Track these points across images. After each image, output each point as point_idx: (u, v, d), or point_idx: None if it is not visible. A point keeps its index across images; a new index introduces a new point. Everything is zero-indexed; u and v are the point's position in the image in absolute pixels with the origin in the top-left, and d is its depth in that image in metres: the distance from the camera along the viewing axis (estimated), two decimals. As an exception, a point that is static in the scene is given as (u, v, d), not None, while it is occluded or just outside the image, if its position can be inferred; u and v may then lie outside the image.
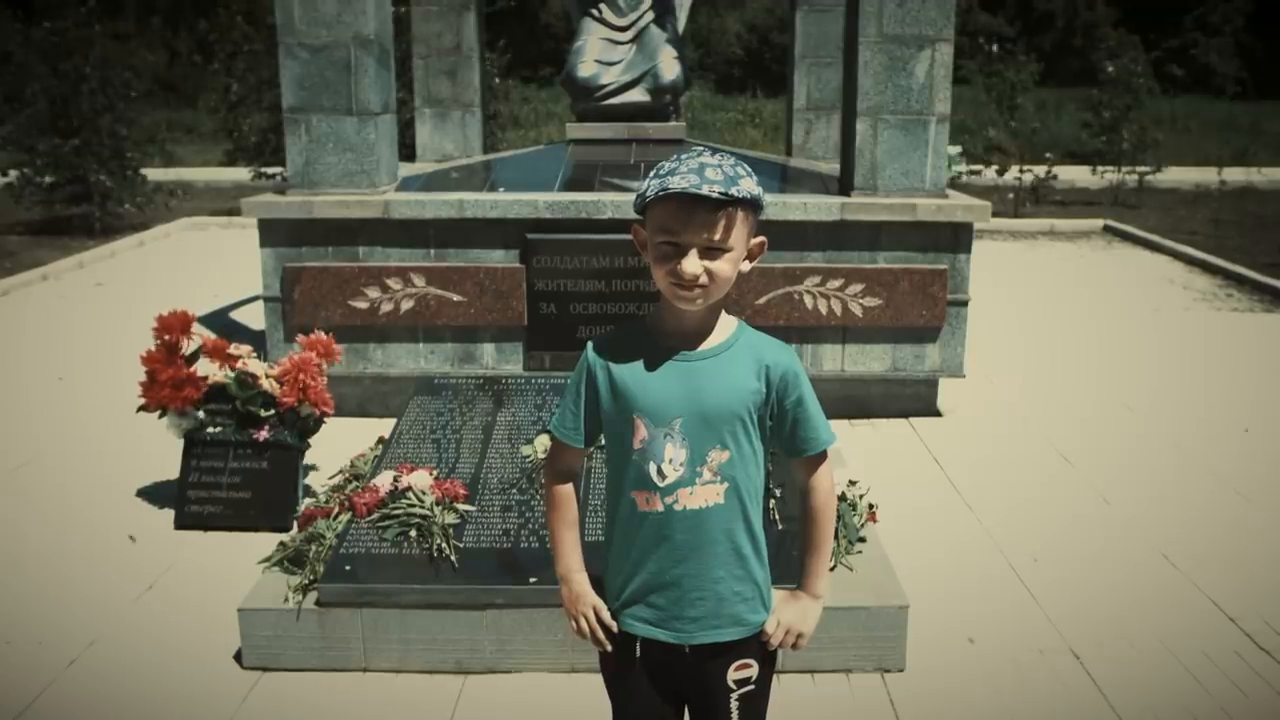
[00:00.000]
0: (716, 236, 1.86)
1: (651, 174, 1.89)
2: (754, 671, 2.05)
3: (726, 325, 2.00)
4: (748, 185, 1.85)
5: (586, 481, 3.78)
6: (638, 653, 2.03)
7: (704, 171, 1.82)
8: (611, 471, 2.04)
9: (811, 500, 2.06)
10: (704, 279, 1.87)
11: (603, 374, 1.98)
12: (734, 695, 2.04)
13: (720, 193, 1.81)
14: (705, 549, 1.96)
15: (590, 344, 2.03)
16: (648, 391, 1.93)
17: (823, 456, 2.05)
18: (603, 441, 2.07)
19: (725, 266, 1.89)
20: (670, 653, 2.01)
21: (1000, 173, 14.12)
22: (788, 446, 2.03)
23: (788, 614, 2.06)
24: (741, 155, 7.44)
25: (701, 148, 1.93)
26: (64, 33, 11.83)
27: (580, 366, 2.03)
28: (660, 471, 1.93)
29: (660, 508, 1.94)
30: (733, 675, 2.03)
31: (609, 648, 2.06)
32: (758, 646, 2.05)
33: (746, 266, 1.96)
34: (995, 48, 14.82)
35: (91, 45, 11.97)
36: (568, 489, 2.12)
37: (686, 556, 1.96)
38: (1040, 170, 14.10)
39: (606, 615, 2.05)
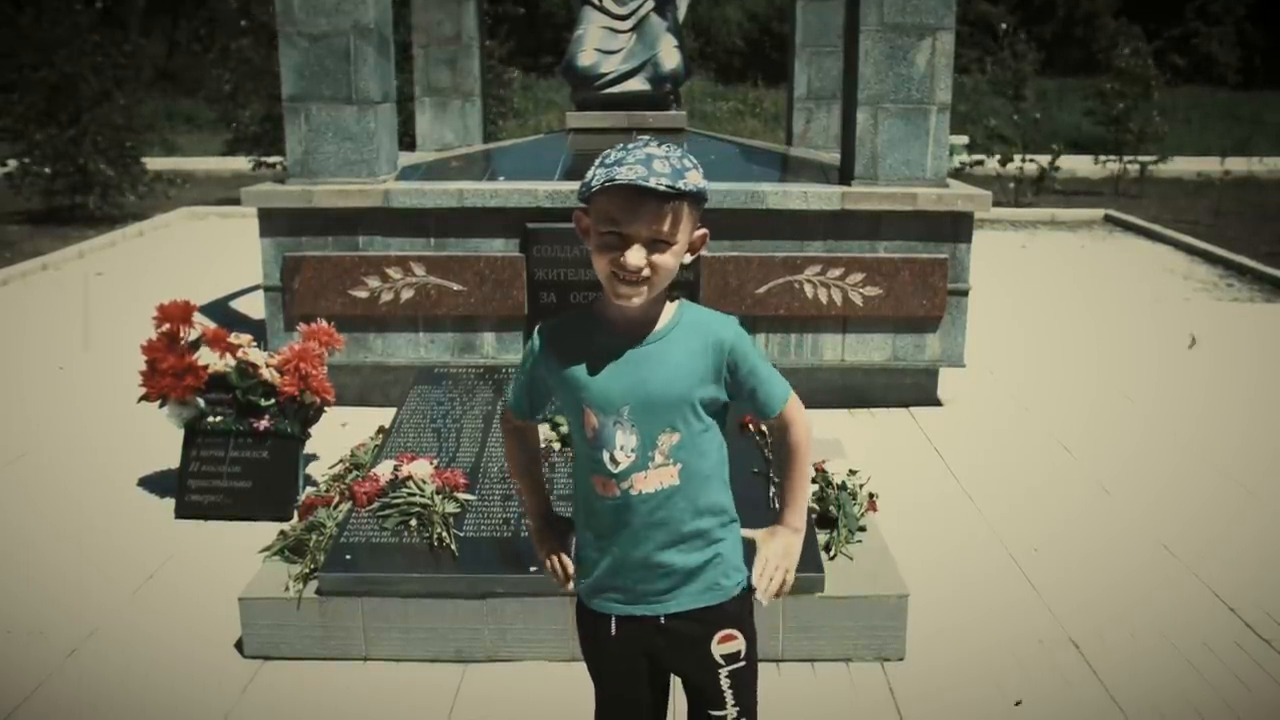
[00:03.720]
0: (663, 229, 1.84)
1: (597, 162, 1.86)
2: (741, 645, 2.05)
3: (669, 307, 1.99)
4: (694, 178, 1.83)
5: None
6: (613, 634, 2.03)
7: (651, 163, 1.80)
8: (575, 455, 2.06)
9: (790, 436, 2.07)
10: (647, 271, 1.85)
11: (549, 364, 2.00)
12: (723, 671, 2.03)
13: (667, 186, 1.79)
14: (666, 529, 1.96)
15: (537, 331, 2.03)
16: (593, 382, 1.94)
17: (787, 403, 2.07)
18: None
19: (669, 259, 1.87)
20: (647, 628, 2.01)
21: (1004, 163, 14.09)
22: (753, 410, 2.05)
23: (771, 550, 2.07)
24: (741, 145, 7.43)
25: (649, 137, 1.91)
26: (53, 23, 11.80)
27: (529, 350, 2.05)
28: (613, 458, 1.93)
29: (617, 493, 1.95)
30: (719, 650, 2.03)
31: (570, 588, 2.12)
32: (736, 615, 2.04)
33: (689, 258, 1.95)
34: (1005, 27, 14.73)
35: (83, 33, 11.94)
36: (521, 437, 2.21)
37: (648, 538, 1.96)
38: (1044, 160, 14.06)
39: (566, 560, 2.14)
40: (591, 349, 1.95)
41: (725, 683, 2.04)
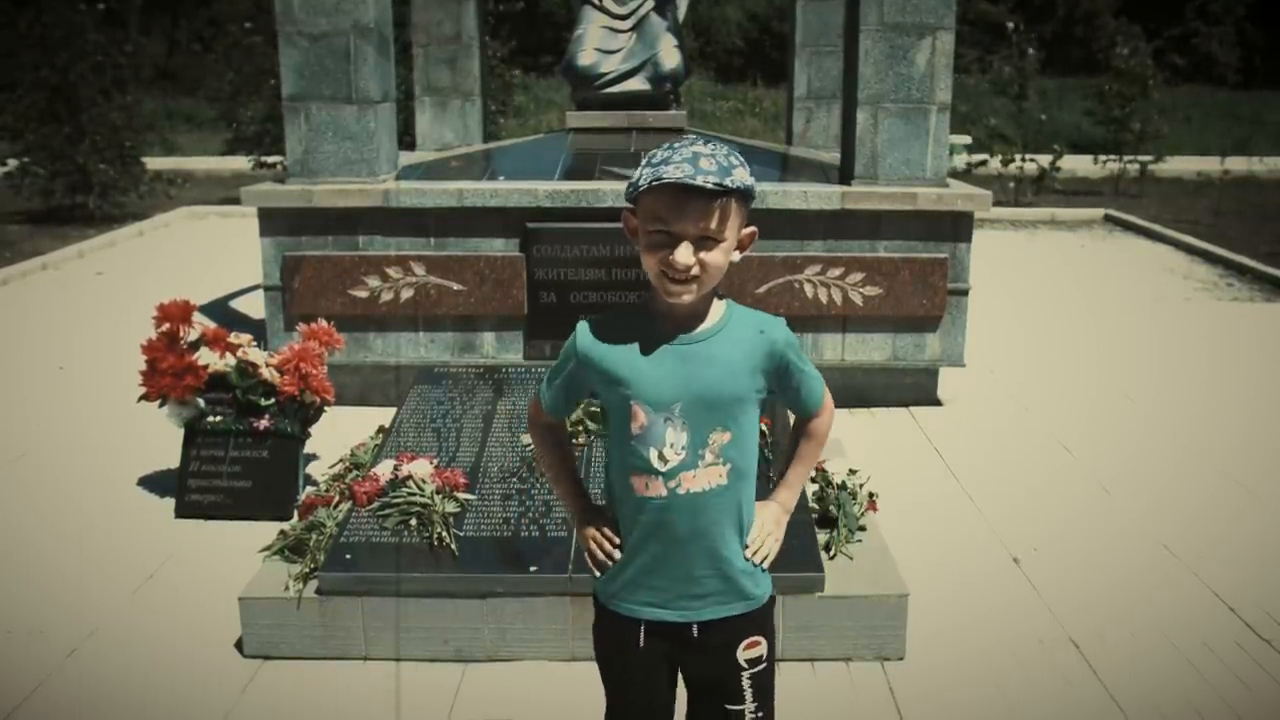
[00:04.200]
0: (711, 226, 1.84)
1: (644, 162, 1.87)
2: (764, 649, 2.05)
3: (717, 306, 1.99)
4: (741, 175, 1.84)
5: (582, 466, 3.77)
6: (641, 641, 2.02)
7: (698, 161, 1.81)
8: (610, 454, 2.03)
9: (812, 423, 2.10)
10: (696, 269, 1.85)
11: (596, 361, 1.97)
12: (745, 674, 2.04)
13: (714, 183, 1.79)
14: (709, 530, 1.95)
15: (582, 327, 2.00)
16: (645, 378, 1.92)
17: None
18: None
19: (718, 256, 1.88)
20: (677, 635, 2.01)
21: (1005, 163, 14.07)
22: (793, 408, 2.08)
23: (765, 517, 2.07)
24: (741, 144, 7.43)
25: (694, 135, 1.92)
26: (54, 23, 11.80)
27: (570, 347, 2.01)
28: (662, 456, 1.92)
29: (663, 492, 1.93)
30: (744, 655, 2.03)
31: (615, 560, 2.03)
32: (763, 622, 2.05)
33: (737, 256, 1.95)
34: (1012, 25, 14.72)
35: (84, 34, 11.94)
36: (552, 434, 2.17)
37: (691, 539, 1.95)
38: (1045, 160, 14.06)
39: (609, 533, 2.03)
40: (641, 345, 1.94)
41: (746, 683, 2.05)
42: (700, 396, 1.91)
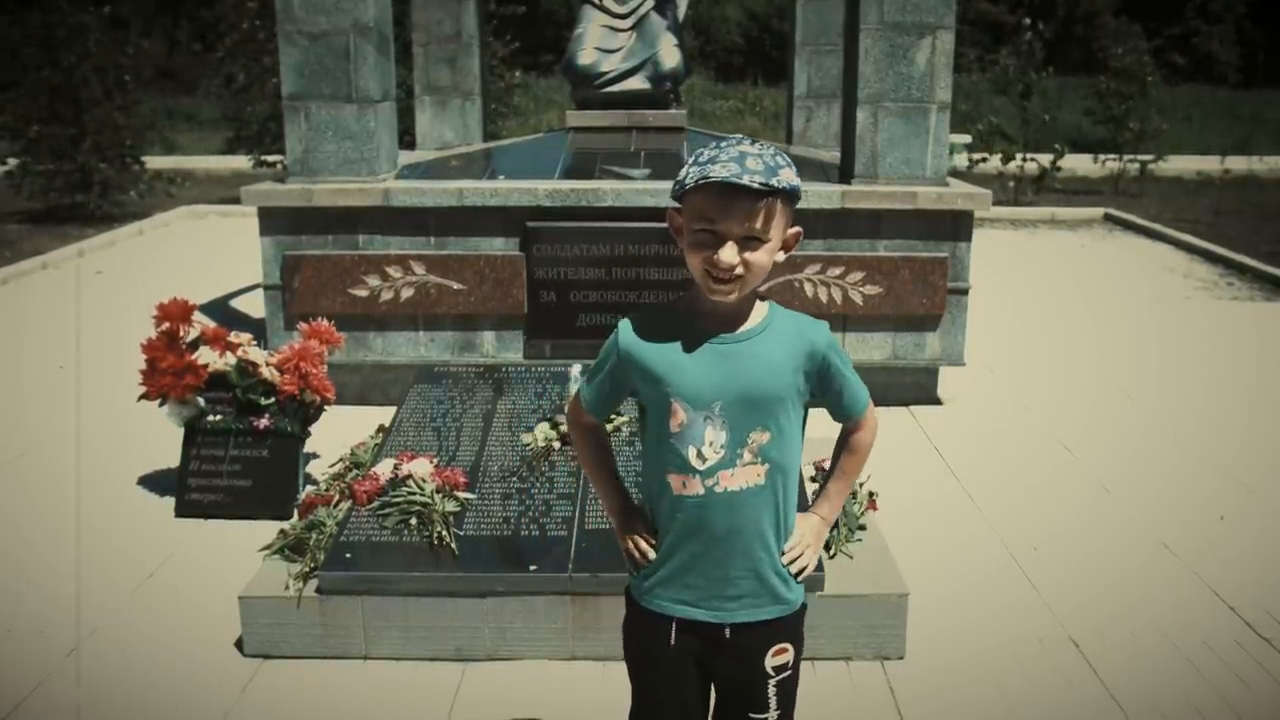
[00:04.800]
0: (756, 226, 1.84)
1: (690, 161, 1.87)
2: (790, 656, 2.06)
3: (759, 307, 1.99)
4: (787, 176, 1.83)
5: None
6: (672, 639, 2.01)
7: (745, 161, 1.80)
8: (647, 452, 2.02)
9: (856, 436, 2.11)
10: (740, 269, 1.85)
11: (637, 358, 1.96)
12: (772, 681, 2.04)
13: (761, 183, 1.79)
14: (745, 530, 1.95)
15: (624, 324, 2.00)
16: (685, 376, 1.92)
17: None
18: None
19: (762, 257, 1.87)
20: (708, 635, 2.00)
21: (1005, 160, 14.06)
22: (834, 414, 2.09)
23: (805, 528, 2.07)
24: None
25: (740, 136, 1.92)
26: (59, 23, 11.80)
27: (610, 346, 2.01)
28: (700, 454, 1.92)
29: (700, 491, 1.93)
30: (771, 661, 2.03)
31: (651, 559, 2.03)
32: (794, 629, 2.05)
33: (781, 257, 1.94)
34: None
35: (87, 34, 11.94)
36: (593, 436, 2.16)
37: (726, 538, 1.95)
38: (1046, 159, 14.05)
39: (648, 537, 2.04)
40: (683, 343, 1.93)
41: (772, 691, 2.05)
42: (741, 395, 1.91)
